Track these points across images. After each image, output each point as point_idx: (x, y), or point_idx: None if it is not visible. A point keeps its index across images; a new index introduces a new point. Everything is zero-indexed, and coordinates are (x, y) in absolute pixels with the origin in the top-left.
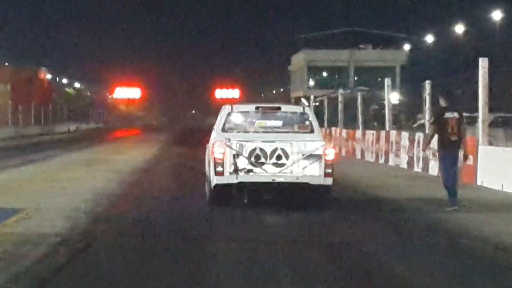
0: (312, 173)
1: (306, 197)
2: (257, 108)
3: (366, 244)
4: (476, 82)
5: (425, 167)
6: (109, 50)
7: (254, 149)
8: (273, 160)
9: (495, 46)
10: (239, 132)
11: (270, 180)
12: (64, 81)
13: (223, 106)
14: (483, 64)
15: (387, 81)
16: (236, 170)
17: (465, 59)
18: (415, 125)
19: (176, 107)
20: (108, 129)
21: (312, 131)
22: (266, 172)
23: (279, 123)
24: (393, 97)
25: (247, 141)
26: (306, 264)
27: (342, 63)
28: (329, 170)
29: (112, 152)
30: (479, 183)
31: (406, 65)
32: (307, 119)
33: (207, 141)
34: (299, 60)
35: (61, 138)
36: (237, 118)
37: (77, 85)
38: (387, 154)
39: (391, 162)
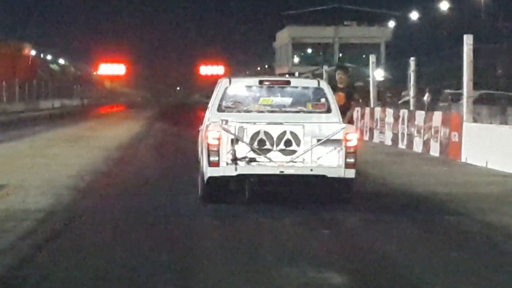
0: (330, 163)
1: (322, 193)
2: (261, 82)
3: (349, 219)
4: (461, 59)
5: (409, 144)
6: (94, 27)
7: (258, 133)
8: (281, 146)
9: (480, 22)
10: (239, 111)
11: (277, 172)
12: (49, 57)
13: (219, 80)
14: (467, 40)
15: (372, 58)
16: (235, 160)
17: (450, 35)
18: (400, 101)
19: (161, 84)
20: (92, 105)
21: (329, 111)
22: (272, 161)
23: (288, 100)
24: (378, 74)
25: (249, 122)
26: (291, 240)
27: (327, 40)
28: (351, 160)
29: (97, 129)
30: (463, 160)
31: (391, 42)
32: (323, 95)
33: (191, 117)
34: (284, 36)
35: (46, 115)
36: (236, 95)
37: (61, 61)
38: (371, 130)
39: (375, 139)
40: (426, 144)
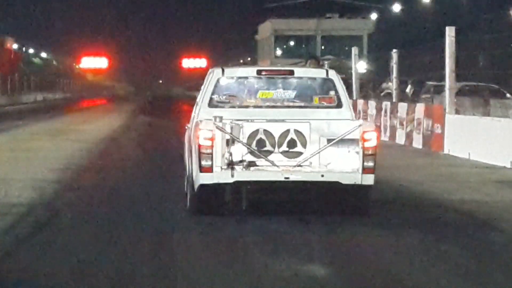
0: (344, 167)
1: (334, 202)
2: (259, 72)
3: (332, 212)
4: (443, 51)
5: (392, 135)
6: (76, 20)
7: (256, 132)
8: (284, 147)
9: (462, 14)
10: (234, 107)
11: (281, 178)
12: (31, 50)
13: (210, 70)
14: (450, 32)
15: (354, 50)
16: (231, 164)
17: (432, 28)
18: (382, 93)
19: (143, 77)
20: (75, 99)
21: (339, 105)
22: (275, 165)
23: (291, 94)
24: (360, 66)
25: (246, 120)
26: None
27: (309, 33)
28: (370, 164)
29: (79, 122)
30: (446, 151)
31: (373, 34)
32: (333, 87)
33: (175, 110)
34: (266, 29)
35: (28, 108)
36: (231, 87)
37: (43, 54)
38: None
39: None
40: (408, 136)
